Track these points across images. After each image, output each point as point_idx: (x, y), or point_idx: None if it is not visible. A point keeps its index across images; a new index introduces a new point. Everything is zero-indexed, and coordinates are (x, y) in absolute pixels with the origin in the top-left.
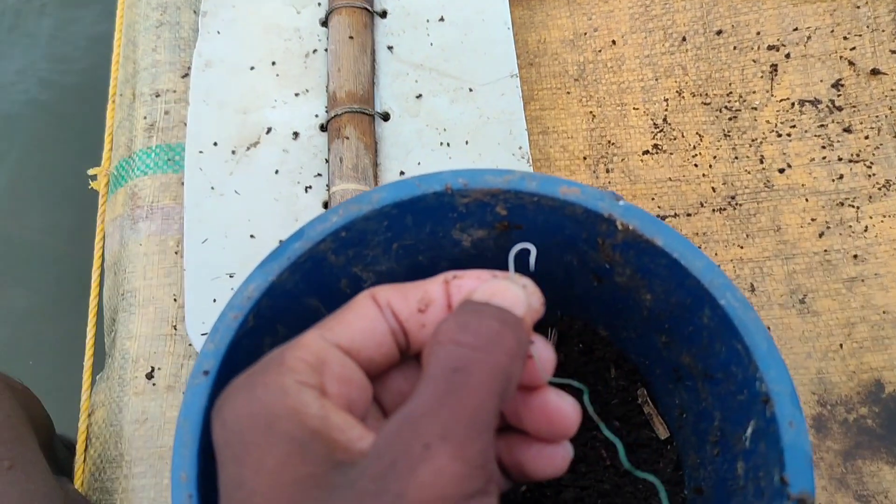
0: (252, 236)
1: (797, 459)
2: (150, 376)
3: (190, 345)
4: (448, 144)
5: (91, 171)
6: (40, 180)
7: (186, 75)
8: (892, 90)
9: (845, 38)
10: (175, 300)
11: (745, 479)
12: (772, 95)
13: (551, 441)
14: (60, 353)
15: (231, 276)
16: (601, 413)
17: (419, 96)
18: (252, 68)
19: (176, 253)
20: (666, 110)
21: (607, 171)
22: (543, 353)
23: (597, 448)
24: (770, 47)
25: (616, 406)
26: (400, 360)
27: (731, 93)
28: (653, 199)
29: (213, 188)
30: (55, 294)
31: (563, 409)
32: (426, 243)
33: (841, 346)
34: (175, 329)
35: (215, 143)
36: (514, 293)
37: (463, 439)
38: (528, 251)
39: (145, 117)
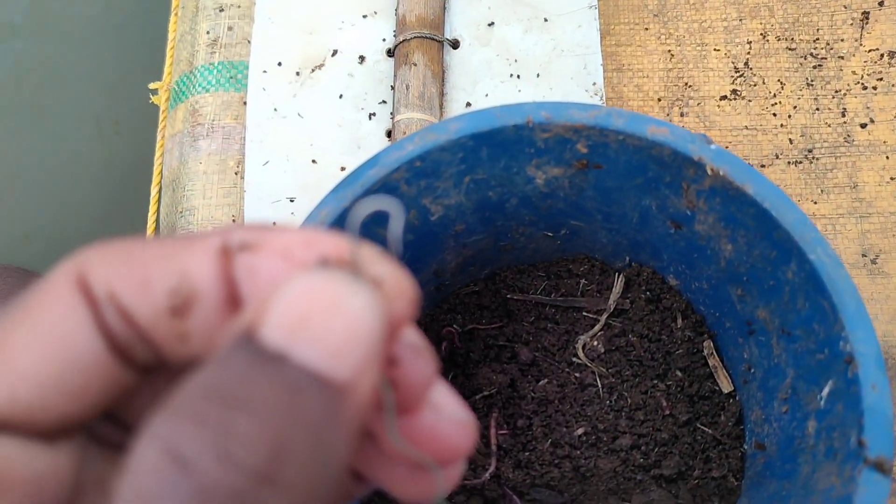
0: (314, 161)
1: (878, 423)
2: None
3: None
4: (518, 76)
5: (152, 86)
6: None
7: None
8: None
9: None
10: (234, 221)
11: (815, 438)
12: (860, 45)
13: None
14: None
15: (291, 201)
16: (664, 362)
17: (491, 24)
18: None
19: (236, 174)
20: (748, 53)
21: (682, 114)
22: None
23: (657, 397)
24: None
25: (680, 356)
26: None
27: (817, 39)
28: (726, 147)
29: (276, 110)
30: (113, 208)
31: (445, 436)
32: (498, 178)
33: None
34: None
35: (279, 64)
36: (352, 315)
37: None
38: (385, 216)
39: (208, 32)
